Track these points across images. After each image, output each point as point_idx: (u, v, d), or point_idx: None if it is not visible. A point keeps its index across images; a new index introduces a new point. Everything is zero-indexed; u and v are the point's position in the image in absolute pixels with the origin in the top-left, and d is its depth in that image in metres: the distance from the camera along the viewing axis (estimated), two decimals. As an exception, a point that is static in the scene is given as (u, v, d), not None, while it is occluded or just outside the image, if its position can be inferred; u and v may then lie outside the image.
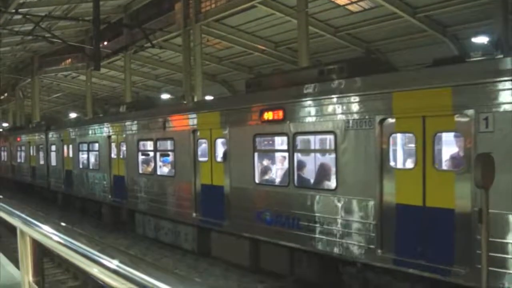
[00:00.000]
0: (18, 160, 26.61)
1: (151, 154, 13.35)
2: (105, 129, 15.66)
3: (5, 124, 45.88)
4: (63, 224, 2.30)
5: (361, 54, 22.99)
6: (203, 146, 11.19)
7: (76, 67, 33.26)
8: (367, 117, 7.50)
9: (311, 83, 8.69)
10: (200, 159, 11.16)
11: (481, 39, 19.64)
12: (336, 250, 7.91)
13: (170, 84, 34.26)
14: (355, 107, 7.73)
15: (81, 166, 17.75)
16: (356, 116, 7.67)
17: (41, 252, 2.79)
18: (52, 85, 40.33)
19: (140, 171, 13.63)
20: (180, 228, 12.05)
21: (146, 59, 29.73)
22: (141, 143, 13.66)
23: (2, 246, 9.53)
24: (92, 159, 17.00)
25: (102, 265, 1.69)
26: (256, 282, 9.71)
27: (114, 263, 1.61)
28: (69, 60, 33.29)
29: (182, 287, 1.34)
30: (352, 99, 7.78)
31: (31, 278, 2.75)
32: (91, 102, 32.56)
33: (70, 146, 18.62)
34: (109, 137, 15.33)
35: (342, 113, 7.89)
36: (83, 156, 17.70)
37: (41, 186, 22.83)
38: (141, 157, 13.74)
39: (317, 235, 8.22)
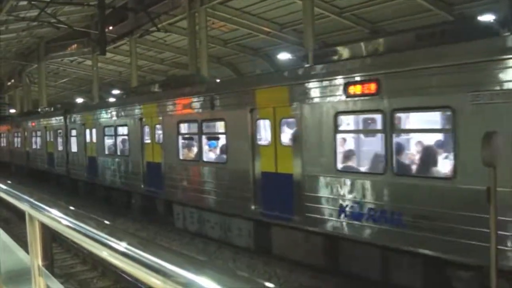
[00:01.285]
0: (33, 147, 22.93)
1: (195, 137, 10.50)
2: (137, 111, 12.61)
3: (12, 110, 41.94)
4: (71, 207, 1.98)
5: (366, 34, 20.78)
6: (264, 127, 8.61)
7: (82, 52, 30.11)
8: (501, 88, 5.31)
9: (408, 49, 6.38)
10: (260, 142, 8.57)
11: (488, 17, 17.80)
12: (451, 251, 5.78)
13: (176, 68, 31.37)
14: (483, 76, 5.50)
15: (107, 152, 14.62)
16: (484, 87, 5.46)
17: (50, 236, 2.46)
18: (58, 71, 36.99)
19: (181, 157, 10.75)
20: (231, 222, 9.41)
21: (151, 43, 26.94)
22: (182, 125, 10.79)
23: (12, 231, 8.61)
24: (120, 144, 13.98)
25: (111, 248, 1.45)
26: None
27: (122, 246, 1.39)
28: (75, 45, 29.98)
29: (192, 269, 1.12)
30: (478, 66, 5.54)
31: (40, 262, 2.38)
32: (98, 87, 29.53)
33: (94, 130, 15.40)
34: (141, 119, 12.35)
35: (463, 84, 5.66)
36: (109, 141, 14.55)
37: (59, 174, 19.44)
38: (182, 141, 10.83)
39: (424, 233, 6.02)
